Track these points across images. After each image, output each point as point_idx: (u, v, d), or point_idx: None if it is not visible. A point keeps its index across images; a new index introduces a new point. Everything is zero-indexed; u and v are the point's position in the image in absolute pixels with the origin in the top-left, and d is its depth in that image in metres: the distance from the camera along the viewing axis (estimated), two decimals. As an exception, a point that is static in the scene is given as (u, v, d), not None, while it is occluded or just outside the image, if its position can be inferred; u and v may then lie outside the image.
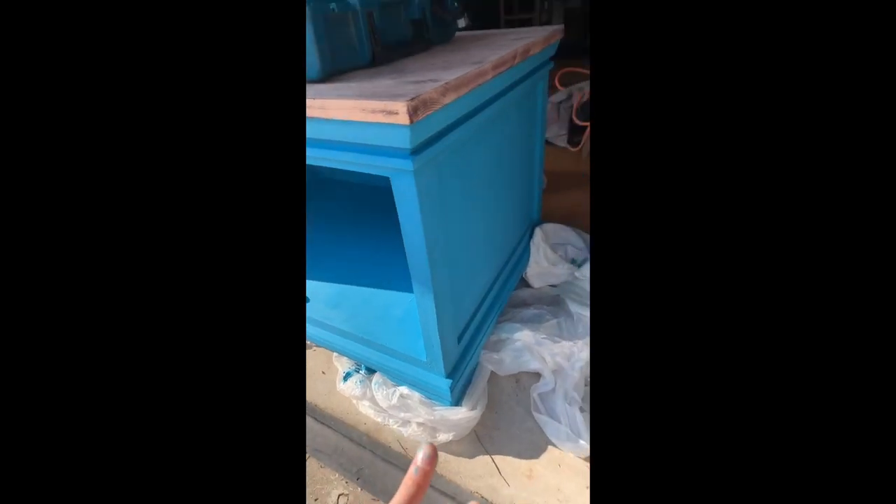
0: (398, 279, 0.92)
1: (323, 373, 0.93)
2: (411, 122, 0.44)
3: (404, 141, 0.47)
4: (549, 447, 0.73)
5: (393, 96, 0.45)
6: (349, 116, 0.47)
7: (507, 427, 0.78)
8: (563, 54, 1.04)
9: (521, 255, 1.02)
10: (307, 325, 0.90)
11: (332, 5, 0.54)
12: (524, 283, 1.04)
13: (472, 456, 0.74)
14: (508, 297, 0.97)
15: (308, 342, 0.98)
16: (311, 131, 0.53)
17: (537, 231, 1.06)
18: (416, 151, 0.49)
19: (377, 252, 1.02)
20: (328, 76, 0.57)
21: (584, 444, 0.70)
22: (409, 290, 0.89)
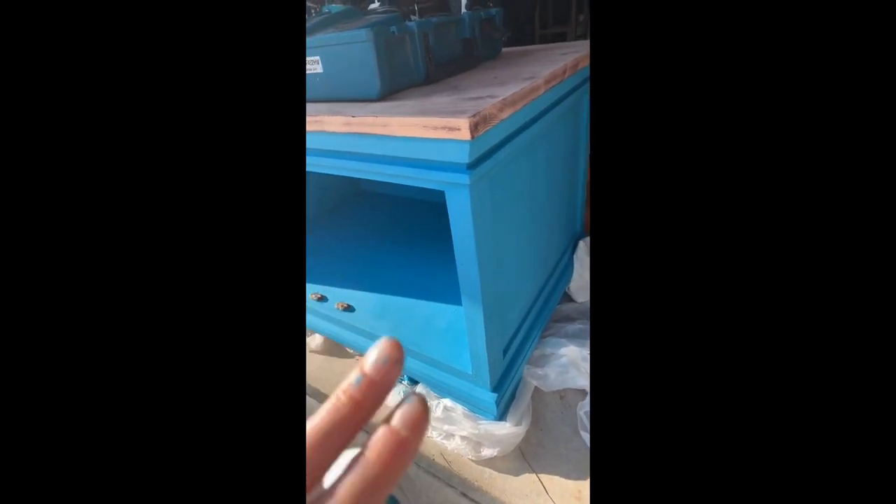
0: (442, 291, 0.93)
1: (366, 382, 0.94)
2: (472, 137, 0.45)
3: (463, 156, 0.48)
4: (599, 469, 0.71)
5: (454, 113, 0.46)
6: (411, 133, 0.49)
7: (554, 445, 0.76)
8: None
9: (564, 268, 1.01)
10: (352, 334, 0.92)
11: (392, 28, 0.56)
12: (567, 298, 1.02)
13: (517, 474, 0.72)
14: (552, 312, 0.95)
15: (352, 351, 1.00)
16: (370, 148, 0.56)
17: (581, 244, 1.04)
18: (472, 166, 0.50)
19: (420, 263, 1.04)
20: (386, 95, 0.59)
21: (637, 468, 0.67)
22: (453, 301, 0.89)
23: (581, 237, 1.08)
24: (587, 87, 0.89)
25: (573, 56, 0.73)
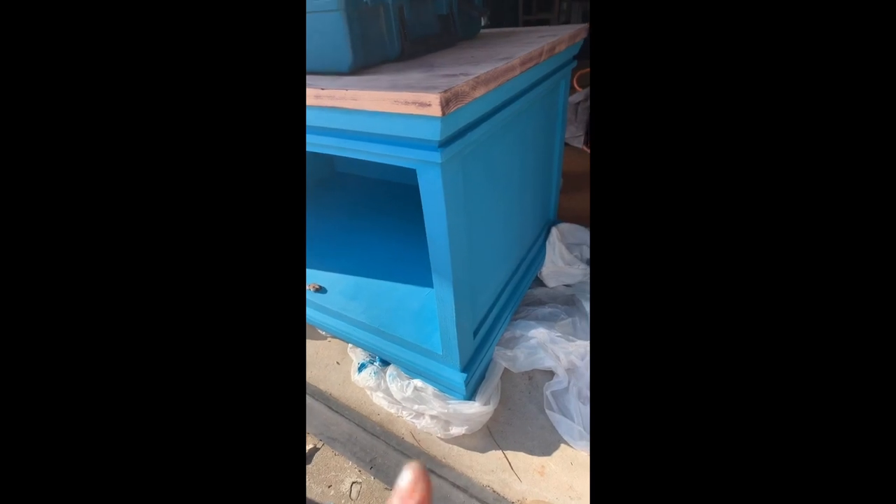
0: (414, 273, 0.93)
1: (338, 363, 0.94)
2: (443, 114, 0.44)
3: (434, 133, 0.48)
4: (562, 445, 0.73)
5: (426, 88, 0.45)
6: (381, 108, 0.48)
7: (520, 424, 0.78)
8: (583, 54, 1.04)
9: (536, 253, 1.02)
10: (324, 315, 0.91)
11: (366, -2, 0.54)
12: (539, 282, 1.04)
13: (484, 450, 0.74)
14: (523, 295, 0.97)
15: (324, 333, 0.99)
16: (340, 122, 0.54)
17: (553, 230, 1.06)
18: (444, 144, 0.50)
19: (394, 246, 1.03)
20: (359, 69, 0.58)
21: (598, 443, 0.70)
22: (425, 283, 0.90)
23: (554, 223, 1.10)
24: (565, 71, 0.90)
25: (550, 39, 0.73)
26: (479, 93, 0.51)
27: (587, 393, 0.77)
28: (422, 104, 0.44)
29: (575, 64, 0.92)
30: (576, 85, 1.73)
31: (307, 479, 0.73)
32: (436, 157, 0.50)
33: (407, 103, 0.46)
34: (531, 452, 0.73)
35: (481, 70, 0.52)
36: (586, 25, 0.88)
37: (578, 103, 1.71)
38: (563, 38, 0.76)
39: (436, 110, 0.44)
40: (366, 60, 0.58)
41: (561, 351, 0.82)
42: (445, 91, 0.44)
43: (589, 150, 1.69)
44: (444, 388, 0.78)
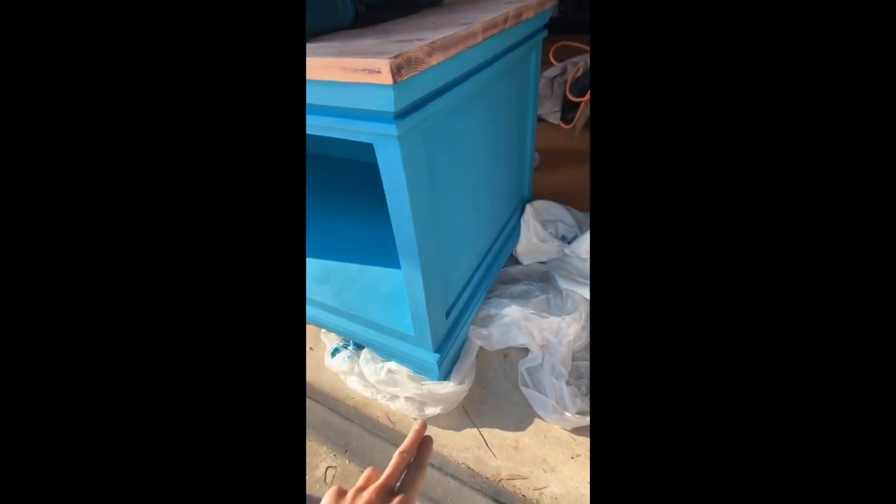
0: (386, 255, 0.91)
1: (311, 349, 0.92)
2: (395, 81, 0.42)
3: (388, 103, 0.45)
4: (536, 420, 0.74)
5: (376, 54, 0.42)
6: (330, 77, 0.44)
7: (495, 401, 0.78)
8: (559, 29, 1.01)
9: (511, 231, 1.01)
10: (294, 300, 0.88)
11: (311, -43, 0.50)
12: (514, 260, 1.03)
13: (459, 429, 0.74)
14: (498, 274, 0.96)
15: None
16: (290, 94, 0.50)
17: (528, 208, 1.04)
18: (400, 115, 0.47)
19: (365, 228, 1.00)
20: (308, 37, 0.54)
21: (570, 417, 0.70)
22: (396, 265, 0.88)
23: (529, 201, 1.08)
24: (536, 41, 0.86)
25: (517, 5, 0.69)
26: (436, 59, 0.48)
27: (561, 369, 0.77)
28: (371, 71, 0.41)
29: (545, 34, 0.89)
30: (552, 59, 1.69)
31: (280, 466, 0.72)
32: (392, 129, 0.47)
33: (356, 70, 0.42)
34: (506, 428, 0.74)
35: (439, 36, 0.49)
36: (556, -8, 0.85)
37: (554, 77, 1.68)
38: (530, 4, 0.72)
39: (386, 78, 0.41)
40: (314, 27, 0.54)
41: (535, 328, 0.82)
42: (396, 56, 0.41)
43: (566, 126, 1.67)
44: (418, 369, 0.77)
